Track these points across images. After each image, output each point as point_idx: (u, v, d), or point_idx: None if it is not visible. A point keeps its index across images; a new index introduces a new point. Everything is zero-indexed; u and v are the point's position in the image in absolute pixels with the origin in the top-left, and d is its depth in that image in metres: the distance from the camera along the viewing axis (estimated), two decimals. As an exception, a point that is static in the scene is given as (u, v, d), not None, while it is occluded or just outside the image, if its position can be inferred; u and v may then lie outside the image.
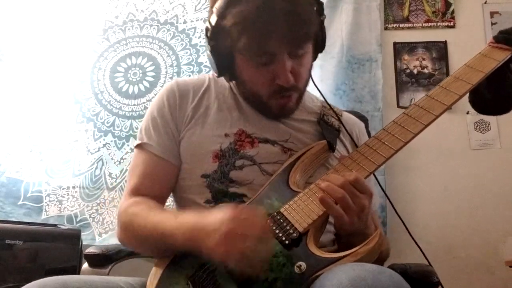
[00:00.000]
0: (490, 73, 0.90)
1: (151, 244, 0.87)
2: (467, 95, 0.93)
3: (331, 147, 0.96)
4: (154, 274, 0.83)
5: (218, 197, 0.92)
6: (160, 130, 0.98)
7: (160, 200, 0.97)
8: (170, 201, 1.06)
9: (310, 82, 1.00)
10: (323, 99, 1.06)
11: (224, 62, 0.93)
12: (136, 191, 0.96)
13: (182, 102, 0.99)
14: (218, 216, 0.74)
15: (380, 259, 0.85)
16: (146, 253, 0.94)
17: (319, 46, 0.97)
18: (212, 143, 0.95)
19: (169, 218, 0.84)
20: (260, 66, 0.90)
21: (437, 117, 0.86)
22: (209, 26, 0.90)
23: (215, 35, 0.90)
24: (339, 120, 1.03)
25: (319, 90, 1.05)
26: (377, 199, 1.10)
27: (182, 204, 0.99)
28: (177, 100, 1.00)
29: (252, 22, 0.84)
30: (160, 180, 0.97)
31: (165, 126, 0.98)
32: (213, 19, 0.89)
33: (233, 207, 0.75)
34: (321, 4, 0.92)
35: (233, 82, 1.01)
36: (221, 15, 0.87)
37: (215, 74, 1.06)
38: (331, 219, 0.91)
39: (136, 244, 0.94)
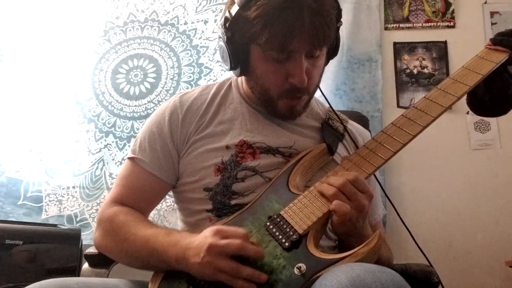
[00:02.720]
0: (488, 75, 0.90)
1: (138, 257, 0.85)
2: (465, 96, 0.93)
3: (331, 151, 0.96)
4: (155, 277, 0.83)
5: (220, 207, 0.92)
6: (157, 147, 0.97)
7: (144, 213, 0.96)
8: (171, 201, 1.06)
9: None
10: (329, 105, 1.06)
11: (239, 54, 0.91)
12: (120, 201, 0.95)
13: (185, 121, 0.98)
14: (203, 234, 0.76)
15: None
16: (128, 264, 0.90)
17: (332, 51, 0.97)
18: (213, 156, 0.94)
19: (161, 234, 0.83)
20: (276, 62, 0.88)
21: (435, 118, 0.86)
22: (229, 16, 0.88)
23: (233, 26, 0.88)
24: (344, 126, 1.03)
25: (325, 97, 1.04)
26: (381, 211, 1.09)
27: (184, 211, 1.00)
28: (179, 120, 0.98)
29: (277, 17, 0.82)
30: (147, 196, 0.97)
31: (162, 143, 0.97)
32: (234, 9, 0.87)
33: (218, 225, 0.77)
34: (340, 10, 0.91)
35: (244, 79, 1.01)
36: (244, 6, 0.85)
37: (223, 80, 1.05)
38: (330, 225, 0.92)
39: (120, 254, 0.90)
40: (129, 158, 0.99)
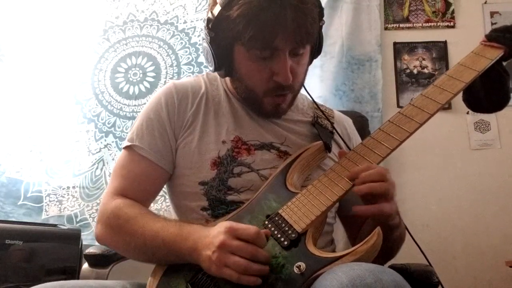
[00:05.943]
0: (483, 71, 0.90)
1: (147, 250, 0.84)
2: (461, 94, 0.93)
3: (328, 148, 0.97)
4: (153, 277, 0.82)
5: (215, 205, 0.91)
6: (155, 133, 0.95)
7: (145, 204, 0.95)
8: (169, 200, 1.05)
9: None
10: (313, 101, 1.06)
11: (222, 54, 0.91)
12: (121, 192, 0.93)
13: (181, 107, 0.97)
14: (216, 229, 0.75)
15: (393, 246, 0.89)
16: (133, 258, 0.89)
17: (316, 50, 0.97)
18: (210, 150, 0.94)
19: (172, 226, 0.82)
20: (260, 60, 0.89)
21: (432, 115, 0.86)
22: (211, 17, 0.89)
23: (216, 26, 0.88)
24: (331, 123, 1.03)
25: (309, 95, 1.05)
26: None
27: (179, 210, 0.98)
28: (175, 105, 0.97)
29: (260, 15, 0.83)
30: (147, 184, 0.95)
31: (160, 130, 0.96)
32: (216, 10, 0.87)
33: (231, 222, 0.76)
34: (322, 9, 0.92)
35: (228, 79, 1.00)
36: (226, 5, 0.85)
37: (209, 75, 1.04)
38: (329, 220, 0.92)
39: (126, 248, 0.88)
40: (126, 148, 0.97)
